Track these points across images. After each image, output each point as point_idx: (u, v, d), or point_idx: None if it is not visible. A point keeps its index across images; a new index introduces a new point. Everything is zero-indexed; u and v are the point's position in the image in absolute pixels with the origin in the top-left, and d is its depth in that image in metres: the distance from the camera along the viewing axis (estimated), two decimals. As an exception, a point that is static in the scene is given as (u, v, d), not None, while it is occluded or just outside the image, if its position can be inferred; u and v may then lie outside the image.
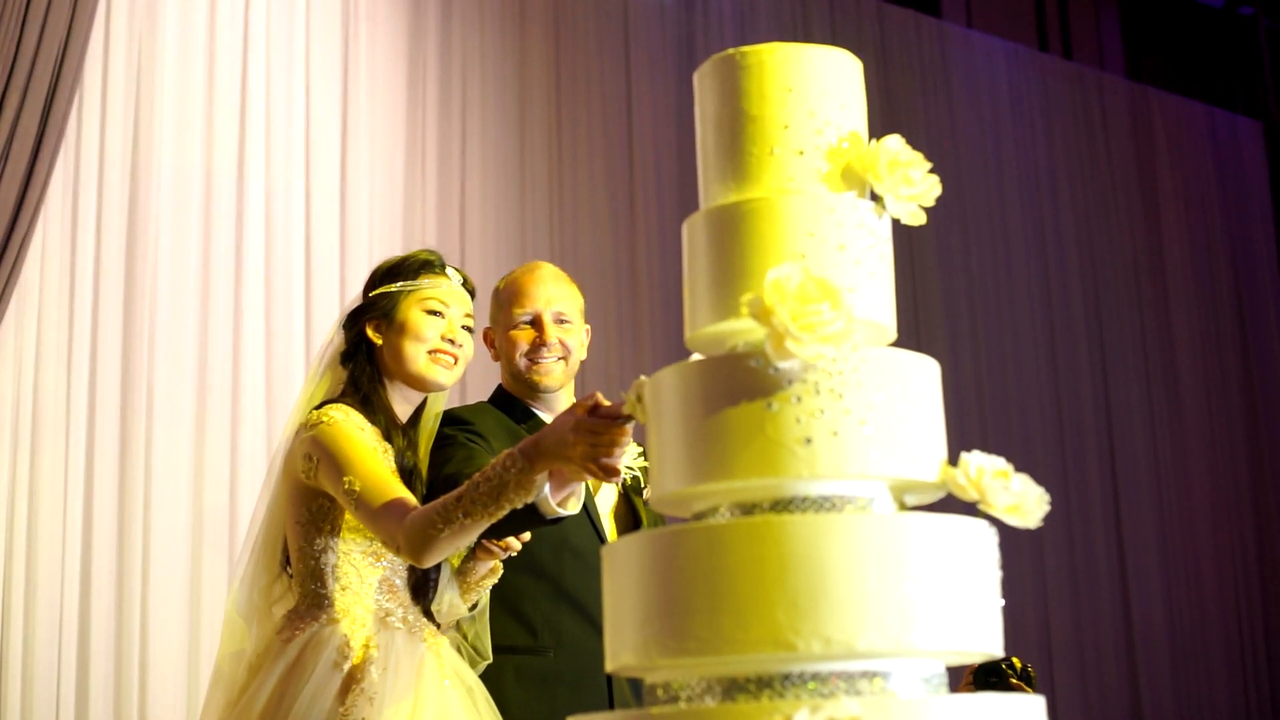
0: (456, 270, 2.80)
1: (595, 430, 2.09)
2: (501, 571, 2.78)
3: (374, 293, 2.76)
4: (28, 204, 4.53)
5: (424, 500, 2.60)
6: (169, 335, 4.88)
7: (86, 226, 4.79)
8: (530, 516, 2.32)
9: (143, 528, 4.68)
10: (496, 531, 2.44)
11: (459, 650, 2.78)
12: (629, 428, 2.09)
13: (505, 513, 2.25)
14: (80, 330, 4.71)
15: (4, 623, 4.44)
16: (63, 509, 4.56)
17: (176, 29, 5.09)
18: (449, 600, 2.74)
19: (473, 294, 2.82)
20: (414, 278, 2.74)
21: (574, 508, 2.35)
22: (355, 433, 2.56)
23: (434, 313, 2.72)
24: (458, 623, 2.83)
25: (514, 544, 2.66)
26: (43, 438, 4.60)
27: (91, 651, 4.52)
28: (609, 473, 2.12)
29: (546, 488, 2.25)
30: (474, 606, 2.81)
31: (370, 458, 2.51)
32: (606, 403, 2.11)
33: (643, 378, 1.88)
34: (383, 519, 2.42)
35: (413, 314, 2.71)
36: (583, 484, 2.31)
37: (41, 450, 4.59)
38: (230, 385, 4.94)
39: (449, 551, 2.39)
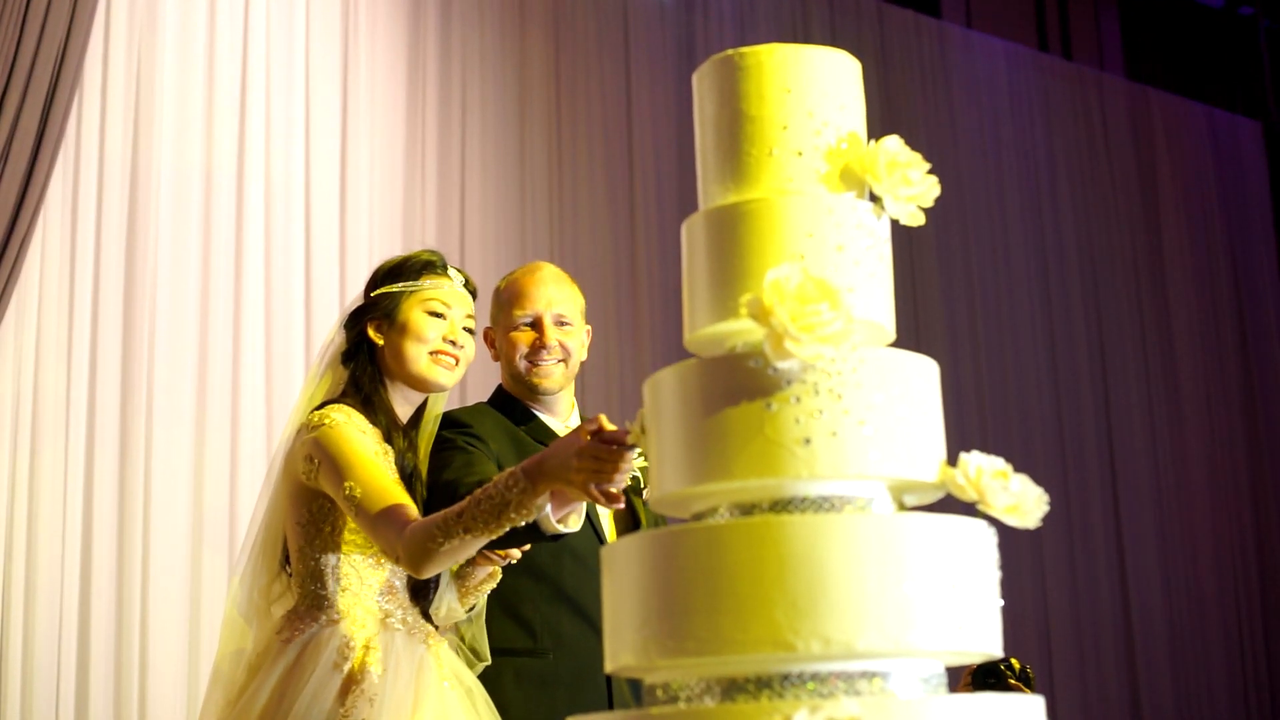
0: (458, 271, 2.80)
1: (599, 457, 2.12)
2: (500, 576, 2.79)
3: (376, 293, 2.76)
4: (28, 204, 4.54)
5: (423, 504, 2.61)
6: (169, 335, 4.88)
7: (86, 226, 4.79)
8: (531, 532, 2.34)
9: (143, 528, 4.68)
10: (497, 543, 2.45)
11: (457, 652, 2.78)
12: (631, 455, 2.11)
13: (506, 530, 2.27)
14: (80, 330, 4.71)
15: (4, 623, 4.44)
16: (63, 509, 4.56)
17: (176, 29, 5.09)
18: (447, 604, 2.74)
19: (474, 295, 2.82)
20: (416, 278, 2.74)
21: (575, 525, 2.37)
22: (357, 436, 2.56)
23: (436, 314, 2.72)
24: (455, 625, 2.83)
25: (514, 552, 2.66)
26: (43, 438, 4.60)
27: (91, 651, 4.52)
28: (610, 499, 2.15)
29: (548, 507, 2.27)
30: (471, 609, 2.81)
31: (371, 463, 2.51)
32: (611, 427, 2.13)
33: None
34: (382, 527, 2.42)
35: (414, 315, 2.71)
36: (584, 502, 2.33)
37: (41, 450, 4.59)
38: (230, 385, 4.94)
39: (448, 564, 2.41)
